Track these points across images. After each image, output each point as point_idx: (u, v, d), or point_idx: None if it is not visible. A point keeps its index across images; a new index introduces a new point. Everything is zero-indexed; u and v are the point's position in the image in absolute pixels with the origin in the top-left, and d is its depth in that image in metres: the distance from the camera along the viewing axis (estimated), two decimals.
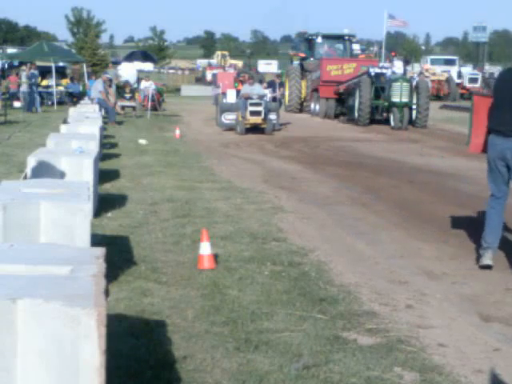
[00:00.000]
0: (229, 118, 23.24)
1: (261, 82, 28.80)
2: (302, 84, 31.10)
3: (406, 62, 31.44)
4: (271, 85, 29.88)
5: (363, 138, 22.30)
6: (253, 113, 22.16)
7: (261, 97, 22.99)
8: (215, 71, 37.35)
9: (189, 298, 5.84)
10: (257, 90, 23.28)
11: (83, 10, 56.46)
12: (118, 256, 6.61)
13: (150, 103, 28.99)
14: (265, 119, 22.37)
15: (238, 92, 24.65)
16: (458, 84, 46.50)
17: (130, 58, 52.11)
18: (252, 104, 22.22)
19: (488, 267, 6.98)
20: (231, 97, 24.16)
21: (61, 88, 33.37)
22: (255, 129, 22.40)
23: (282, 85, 31.44)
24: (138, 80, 34.49)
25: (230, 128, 23.04)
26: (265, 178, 13.34)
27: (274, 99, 24.43)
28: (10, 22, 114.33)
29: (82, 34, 54.03)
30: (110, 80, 27.93)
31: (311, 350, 4.82)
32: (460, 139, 22.52)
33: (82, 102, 24.37)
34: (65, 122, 16.10)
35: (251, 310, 5.56)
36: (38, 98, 30.00)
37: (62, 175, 8.58)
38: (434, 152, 19.04)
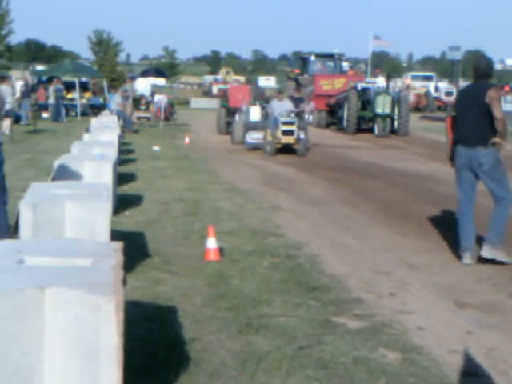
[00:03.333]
0: (255, 137, 18.97)
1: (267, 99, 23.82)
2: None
3: (388, 78, 31.51)
4: (295, 100, 24.81)
5: (351, 145, 22.25)
6: (285, 132, 17.74)
7: (292, 114, 18.65)
8: (228, 86, 31.88)
9: (197, 286, 5.85)
10: (286, 106, 18.97)
11: (104, 31, 56.56)
12: (134, 249, 6.60)
13: (162, 114, 29.02)
14: (298, 139, 18.01)
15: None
16: (435, 97, 46.59)
17: (145, 74, 52.13)
18: (285, 123, 17.79)
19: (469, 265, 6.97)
20: (255, 114, 20.24)
21: (84, 101, 33.39)
22: (286, 149, 18.06)
23: (301, 100, 25.67)
24: (152, 93, 34.44)
25: (256, 148, 18.78)
26: (264, 181, 13.34)
27: (296, 114, 19.61)
28: (39, 42, 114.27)
29: (103, 52, 53.99)
30: (126, 91, 27.89)
31: (305, 332, 4.83)
32: (436, 146, 22.53)
33: (102, 113, 24.34)
34: (87, 130, 16.11)
35: (252, 297, 5.57)
36: (63, 110, 30.02)
37: (84, 178, 8.59)
38: (414, 157, 19.04)
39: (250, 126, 19.50)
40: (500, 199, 7.05)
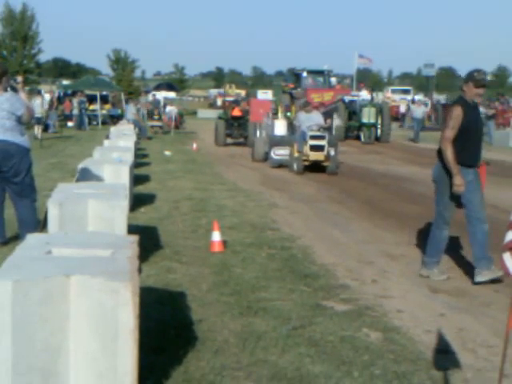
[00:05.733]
0: (280, 153, 15.43)
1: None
2: (291, 108, 31.01)
3: (372, 91, 31.54)
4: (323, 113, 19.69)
5: (340, 151, 22.24)
6: (314, 147, 14.13)
7: (321, 128, 14.93)
8: (230, 98, 28.88)
9: (203, 274, 5.86)
10: (315, 119, 15.05)
11: (121, 50, 56.50)
12: (148, 242, 6.61)
13: (173, 123, 29.09)
14: (328, 156, 14.36)
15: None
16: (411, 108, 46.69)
17: (158, 87, 51.99)
18: (313, 137, 14.17)
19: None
20: (280, 128, 16.85)
21: (104, 111, 33.39)
22: (314, 166, 14.54)
23: (328, 114, 20.75)
24: (164, 105, 34.45)
25: (282, 165, 15.39)
26: (262, 181, 13.36)
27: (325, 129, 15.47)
28: (65, 60, 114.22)
29: (121, 69, 53.95)
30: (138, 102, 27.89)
31: (298, 314, 4.84)
32: (414, 151, 22.65)
33: (120, 122, 24.29)
34: (107, 137, 16.09)
35: (252, 283, 5.58)
36: (86, 119, 30.05)
37: (104, 179, 8.59)
38: (394, 161, 19.05)
39: (275, 142, 15.95)
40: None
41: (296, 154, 14.51)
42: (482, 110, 37.93)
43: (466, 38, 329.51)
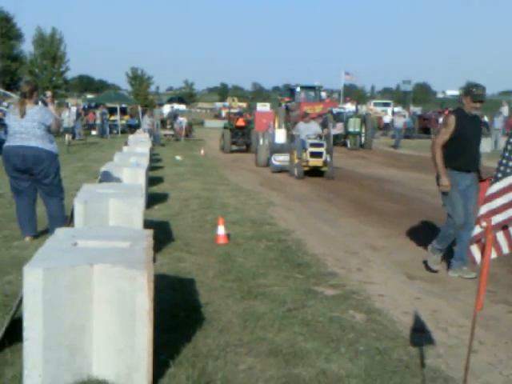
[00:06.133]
0: (280, 159, 15.28)
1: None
2: (288, 119, 30.92)
3: (357, 104, 31.59)
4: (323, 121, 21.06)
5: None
6: (313, 154, 14.01)
7: (319, 136, 14.81)
8: (234, 110, 28.43)
9: (209, 263, 5.86)
10: (313, 128, 14.90)
11: (138, 68, 56.24)
12: (161, 235, 6.61)
13: (183, 132, 29.09)
14: (325, 162, 14.18)
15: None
16: (391, 119, 46.66)
17: (170, 101, 52.09)
18: (313, 145, 14.03)
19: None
20: (280, 137, 16.60)
21: (123, 122, 33.35)
22: (313, 172, 14.33)
23: (325, 123, 20.54)
24: (176, 116, 34.46)
25: (281, 170, 15.15)
26: (261, 183, 13.35)
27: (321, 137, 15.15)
28: (89, 76, 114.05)
29: (138, 85, 53.76)
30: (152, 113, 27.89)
31: (292, 298, 4.84)
32: (393, 156, 22.63)
33: (137, 131, 24.30)
34: (126, 144, 16.10)
35: (252, 271, 5.58)
36: (107, 129, 30.05)
37: (123, 180, 8.59)
38: (376, 165, 19.04)
39: (276, 149, 15.76)
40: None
41: (296, 161, 14.21)
42: None
43: (439, 58, 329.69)
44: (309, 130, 14.63)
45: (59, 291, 3.09)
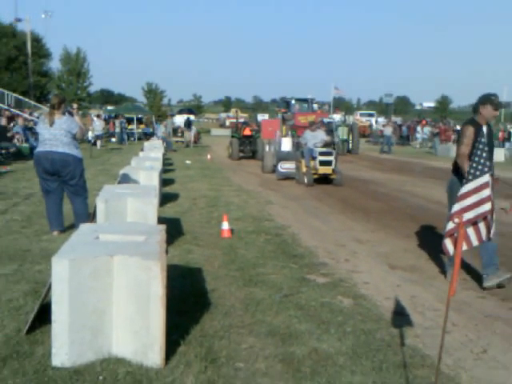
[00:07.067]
0: (286, 166, 14.03)
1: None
2: (282, 128, 30.81)
3: (345, 115, 31.58)
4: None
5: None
6: (323, 162, 12.84)
7: (326, 144, 13.73)
8: (238, 120, 27.78)
9: (215, 254, 5.85)
10: (320, 136, 13.68)
11: (153, 83, 56.14)
12: (173, 230, 6.61)
13: (192, 139, 29.05)
14: (334, 170, 13.00)
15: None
16: (376, 128, 46.61)
17: (181, 112, 51.90)
18: (322, 153, 12.91)
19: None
20: (286, 145, 15.31)
21: (139, 130, 33.33)
22: (322, 179, 13.10)
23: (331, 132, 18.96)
24: (190, 124, 34.44)
25: (287, 177, 13.92)
26: (261, 184, 13.32)
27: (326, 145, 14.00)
28: (109, 90, 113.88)
29: (152, 98, 53.67)
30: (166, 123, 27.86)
31: (288, 285, 4.84)
32: (377, 161, 22.60)
33: (152, 138, 24.28)
34: (142, 150, 16.09)
35: (252, 262, 5.57)
36: (125, 136, 30.02)
37: (139, 182, 8.59)
38: (362, 168, 19.01)
39: (282, 156, 14.53)
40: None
41: (304, 169, 13.03)
42: (428, 129, 37.84)
43: (417, 74, 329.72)
44: (316, 138, 13.64)
45: (83, 279, 3.08)
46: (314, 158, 13.06)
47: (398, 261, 6.06)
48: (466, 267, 5.72)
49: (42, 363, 3.10)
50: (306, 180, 12.82)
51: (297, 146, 14.69)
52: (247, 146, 21.93)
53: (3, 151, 16.24)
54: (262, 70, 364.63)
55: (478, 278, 5.45)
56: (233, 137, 22.50)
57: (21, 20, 42.08)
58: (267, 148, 16.50)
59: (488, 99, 5.17)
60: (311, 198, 11.09)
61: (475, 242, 3.96)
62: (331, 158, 12.95)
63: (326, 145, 13.67)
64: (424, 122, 40.63)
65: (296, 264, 5.60)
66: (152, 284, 3.09)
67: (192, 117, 46.45)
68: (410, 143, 36.02)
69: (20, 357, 3.19)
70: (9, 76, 40.70)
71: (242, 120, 29.29)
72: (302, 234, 7.19)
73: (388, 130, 28.94)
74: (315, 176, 12.98)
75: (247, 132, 22.29)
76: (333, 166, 12.96)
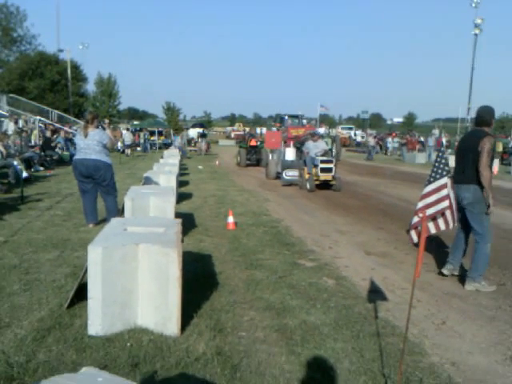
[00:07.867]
0: (290, 174, 13.28)
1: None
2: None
3: (329, 128, 31.57)
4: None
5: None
6: (324, 170, 12.10)
7: (326, 153, 12.95)
8: (241, 132, 26.29)
9: (222, 243, 5.83)
10: (321, 146, 13.07)
11: (171, 102, 56.06)
12: (187, 223, 6.60)
13: (204, 148, 29.04)
14: (334, 176, 12.22)
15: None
16: (354, 139, 46.53)
17: (194, 126, 51.82)
18: (323, 161, 12.14)
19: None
20: (290, 154, 14.48)
21: (160, 141, 33.22)
22: (323, 185, 12.28)
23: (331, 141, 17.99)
24: (203, 136, 34.45)
25: (291, 184, 13.10)
26: (260, 185, 13.29)
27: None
28: (135, 108, 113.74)
29: (170, 114, 53.60)
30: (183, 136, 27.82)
31: (282, 268, 4.82)
32: (356, 166, 22.55)
33: (170, 148, 24.23)
34: (162, 157, 16.05)
35: (253, 249, 5.56)
36: (148, 146, 29.96)
37: (160, 183, 8.57)
38: (344, 172, 18.95)
39: (286, 165, 13.71)
40: (476, 235, 4.47)
41: (307, 176, 12.29)
42: (397, 139, 37.72)
43: (388, 94, 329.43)
44: (317, 147, 12.82)
45: (113, 263, 3.08)
46: (315, 166, 12.33)
47: (372, 248, 6.05)
48: (430, 253, 5.72)
49: (80, 332, 3.10)
50: (308, 186, 12.13)
51: (300, 155, 13.69)
52: (253, 154, 21.50)
53: (48, 158, 16.26)
54: (261, 91, 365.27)
55: (439, 262, 5.45)
56: (240, 147, 22.09)
57: (62, 50, 42.25)
58: (271, 157, 15.83)
59: (493, 113, 4.51)
60: (301, 197, 11.07)
61: (433, 231, 4.03)
62: (331, 165, 12.22)
63: (325, 153, 13.24)
64: (394, 134, 40.63)
65: (288, 251, 5.59)
66: (170, 267, 3.09)
67: (202, 130, 46.49)
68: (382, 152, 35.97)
69: (62, 327, 3.19)
70: (52, 96, 40.77)
71: (248, 131, 28.97)
72: (294, 227, 7.18)
73: (372, 141, 29.15)
74: (316, 182, 12.23)
75: (253, 143, 21.85)
76: (333, 173, 12.20)
